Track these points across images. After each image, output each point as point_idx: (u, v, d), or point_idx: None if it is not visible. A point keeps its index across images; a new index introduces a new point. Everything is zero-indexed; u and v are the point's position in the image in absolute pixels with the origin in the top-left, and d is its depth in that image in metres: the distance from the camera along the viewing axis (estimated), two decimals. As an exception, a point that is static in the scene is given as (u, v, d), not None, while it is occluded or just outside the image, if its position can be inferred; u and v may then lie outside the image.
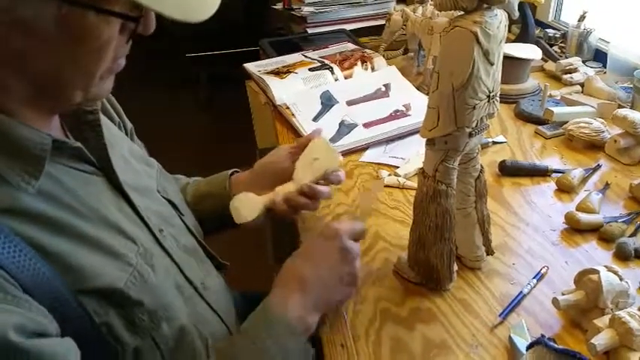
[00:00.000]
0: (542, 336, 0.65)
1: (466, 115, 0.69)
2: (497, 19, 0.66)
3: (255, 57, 1.62)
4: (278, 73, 1.40)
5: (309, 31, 1.78)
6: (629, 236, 0.90)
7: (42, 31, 0.51)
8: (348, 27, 1.79)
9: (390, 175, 1.08)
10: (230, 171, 0.96)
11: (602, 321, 0.69)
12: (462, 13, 0.65)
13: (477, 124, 0.72)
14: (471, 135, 0.72)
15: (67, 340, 0.53)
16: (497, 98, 0.72)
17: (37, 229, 0.54)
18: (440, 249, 0.77)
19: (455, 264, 0.81)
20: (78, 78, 0.56)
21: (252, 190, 0.87)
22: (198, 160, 1.78)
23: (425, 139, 0.74)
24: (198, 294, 0.72)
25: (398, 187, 1.05)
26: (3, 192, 0.52)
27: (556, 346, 0.63)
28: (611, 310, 0.71)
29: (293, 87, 1.35)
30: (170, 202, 0.77)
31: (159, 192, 0.76)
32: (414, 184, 0.94)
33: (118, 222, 0.62)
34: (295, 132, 1.25)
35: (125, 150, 0.74)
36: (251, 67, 1.47)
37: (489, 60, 0.66)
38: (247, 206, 0.85)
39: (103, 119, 0.69)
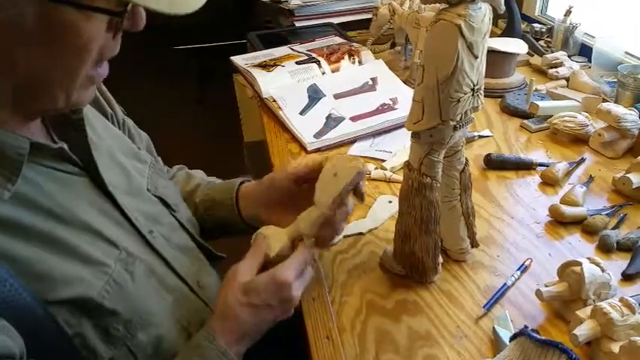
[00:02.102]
0: (526, 327, 0.66)
1: (451, 108, 0.69)
2: (482, 12, 0.66)
3: (242, 50, 1.62)
4: (265, 66, 1.40)
5: (297, 24, 1.77)
6: (612, 229, 0.91)
7: (23, 30, 0.49)
8: (336, 20, 1.79)
9: (376, 168, 1.08)
10: (238, 181, 0.90)
11: (584, 312, 0.70)
12: (447, 6, 0.65)
13: (461, 117, 0.72)
14: (455, 128, 0.72)
15: None
16: (482, 92, 0.73)
17: (8, 236, 0.53)
18: (425, 241, 0.78)
19: (440, 256, 0.81)
20: (61, 78, 0.54)
21: (258, 205, 0.85)
22: (187, 153, 1.77)
23: (410, 133, 0.74)
24: (193, 292, 0.71)
25: (384, 181, 1.06)
26: None
27: (539, 336, 0.63)
28: (593, 301, 0.72)
29: (280, 80, 1.34)
30: (160, 199, 0.75)
31: (149, 190, 0.74)
32: (401, 177, 0.94)
33: (98, 226, 0.61)
34: (282, 125, 1.25)
35: (114, 147, 0.72)
36: (238, 60, 1.46)
37: (473, 53, 0.67)
38: (273, 238, 0.75)
39: (89, 116, 0.68)
